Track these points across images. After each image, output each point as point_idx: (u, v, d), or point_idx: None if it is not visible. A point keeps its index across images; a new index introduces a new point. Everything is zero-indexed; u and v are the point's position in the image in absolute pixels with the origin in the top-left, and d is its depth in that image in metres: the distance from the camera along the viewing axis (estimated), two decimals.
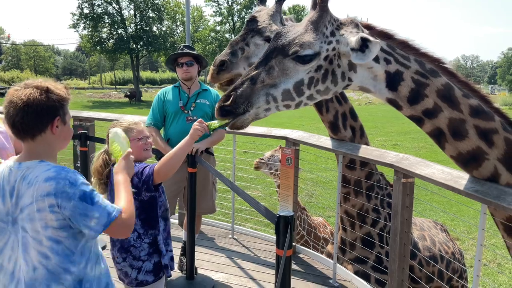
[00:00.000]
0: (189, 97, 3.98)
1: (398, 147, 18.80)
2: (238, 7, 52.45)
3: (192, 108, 3.93)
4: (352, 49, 2.28)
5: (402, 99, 2.41)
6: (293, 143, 4.39)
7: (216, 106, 2.34)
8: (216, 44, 52.47)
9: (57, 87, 1.81)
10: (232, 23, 52.77)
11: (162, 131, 4.12)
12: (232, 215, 5.07)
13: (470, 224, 9.69)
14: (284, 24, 3.38)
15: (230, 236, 5.05)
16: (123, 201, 1.90)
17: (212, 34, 53.56)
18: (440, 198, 9.77)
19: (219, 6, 53.58)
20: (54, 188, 1.66)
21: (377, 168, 3.90)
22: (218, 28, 54.49)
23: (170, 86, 4.12)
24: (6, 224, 1.76)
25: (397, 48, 2.42)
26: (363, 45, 2.24)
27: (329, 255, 4.39)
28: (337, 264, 4.01)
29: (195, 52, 4.03)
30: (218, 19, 54.47)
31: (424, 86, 2.37)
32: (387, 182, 4.04)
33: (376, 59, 2.37)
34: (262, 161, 5.34)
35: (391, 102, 2.46)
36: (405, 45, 2.44)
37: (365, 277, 3.85)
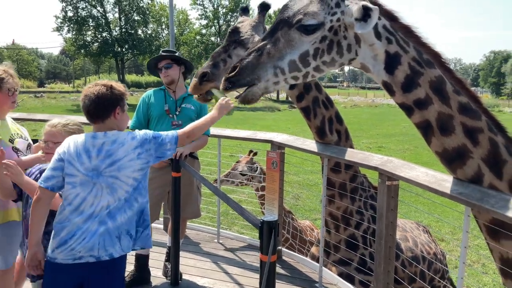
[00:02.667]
0: (177, 101, 3.93)
1: (384, 149, 18.96)
2: (224, 10, 52.46)
3: (177, 113, 3.89)
4: (356, 19, 2.28)
5: (396, 84, 2.41)
6: (278, 147, 4.38)
7: (223, 78, 2.36)
8: (201, 48, 52.39)
9: (118, 85, 2.47)
10: (217, 26, 52.73)
11: None
12: (217, 219, 5.03)
13: (454, 225, 9.79)
14: None
15: (216, 240, 5.01)
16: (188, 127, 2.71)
17: (198, 37, 53.41)
18: (424, 200, 9.85)
19: (205, 9, 53.52)
20: (138, 141, 2.41)
21: (360, 170, 3.90)
22: (203, 31, 54.39)
23: (155, 89, 4.07)
24: (91, 177, 2.32)
25: (399, 30, 2.42)
26: (365, 14, 2.24)
27: (313, 257, 4.38)
28: (323, 268, 4.00)
29: (171, 54, 3.98)
30: (204, 22, 54.42)
31: (419, 74, 2.37)
32: (370, 184, 4.05)
33: (378, 36, 2.37)
34: (222, 178, 5.32)
35: (386, 85, 2.46)
36: (407, 31, 2.45)
37: (349, 279, 3.85)
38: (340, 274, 3.90)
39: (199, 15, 55.05)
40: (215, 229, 5.13)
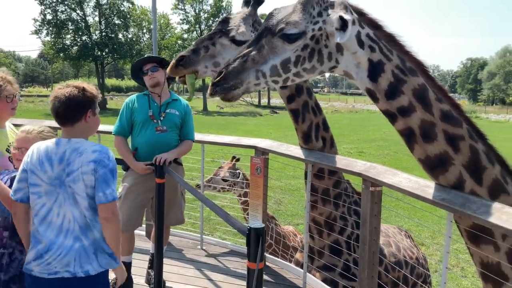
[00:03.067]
0: (162, 106, 3.90)
1: (364, 154, 19.15)
2: (206, 15, 52.37)
3: (161, 118, 3.85)
4: (336, 29, 2.34)
5: (380, 91, 2.45)
6: (262, 152, 4.38)
7: (210, 83, 2.45)
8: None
9: (90, 87, 2.38)
10: (199, 31, 52.55)
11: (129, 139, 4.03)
12: (201, 225, 5.00)
13: (434, 230, 9.94)
14: (256, 28, 3.44)
15: (199, 247, 4.98)
16: None
17: (179, 41, 53.18)
18: (404, 205, 9.98)
19: (186, 14, 53.31)
20: (96, 157, 2.25)
21: (343, 176, 3.93)
22: (185, 36, 54.18)
23: (138, 94, 4.03)
24: (54, 186, 2.26)
25: (382, 39, 2.47)
26: (344, 24, 2.31)
27: (298, 263, 4.39)
28: (307, 274, 4.01)
29: (157, 57, 3.98)
30: (185, 27, 54.17)
31: (402, 82, 2.41)
32: (353, 190, 4.08)
33: (361, 44, 2.42)
34: (205, 184, 5.31)
35: (370, 93, 2.50)
36: (391, 39, 2.50)
37: (333, 284, 3.86)
38: (324, 280, 3.91)
39: (180, 19, 54.96)
40: (197, 235, 5.10)
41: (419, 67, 2.47)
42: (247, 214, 5.49)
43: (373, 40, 2.43)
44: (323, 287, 3.88)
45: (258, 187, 4.40)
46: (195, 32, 53.07)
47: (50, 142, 2.32)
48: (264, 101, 58.58)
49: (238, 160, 5.51)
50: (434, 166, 2.48)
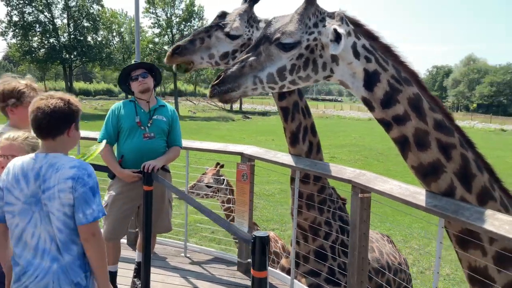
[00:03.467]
0: (149, 112, 3.86)
1: (336, 159, 19.39)
2: (177, 19, 52.01)
3: (149, 125, 3.81)
4: (331, 41, 2.40)
5: (376, 100, 2.50)
6: (248, 159, 4.39)
7: (210, 85, 2.53)
8: (154, 56, 51.57)
9: (75, 99, 2.25)
10: (171, 35, 52.16)
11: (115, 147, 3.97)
12: (185, 232, 4.95)
13: (405, 233, 10.16)
14: (251, 24, 3.56)
15: (183, 254, 4.93)
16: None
17: (151, 45, 52.56)
18: (376, 210, 10.16)
19: (158, 18, 52.81)
20: (74, 174, 2.10)
21: (328, 182, 3.98)
22: (156, 40, 53.63)
23: (125, 100, 3.97)
24: (29, 205, 2.12)
25: (378, 50, 2.53)
26: (338, 36, 2.37)
27: (283, 269, 4.41)
28: (294, 280, 4.03)
29: (147, 63, 3.96)
30: (157, 31, 53.66)
31: (398, 91, 2.47)
32: (338, 196, 4.13)
33: (357, 55, 2.47)
34: (188, 190, 5.29)
35: (366, 101, 2.55)
36: (387, 50, 2.56)
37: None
38: (310, 285, 3.94)
39: (152, 23, 54.26)
40: (181, 242, 5.05)
41: (413, 77, 2.54)
42: (230, 221, 5.49)
43: (369, 51, 2.49)
44: None
45: (245, 193, 4.42)
46: (166, 36, 52.62)
47: (27, 157, 2.18)
48: (236, 106, 58.57)
49: (222, 166, 5.50)
50: (426, 174, 2.54)
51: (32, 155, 2.18)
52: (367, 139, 28.25)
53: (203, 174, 5.45)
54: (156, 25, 53.14)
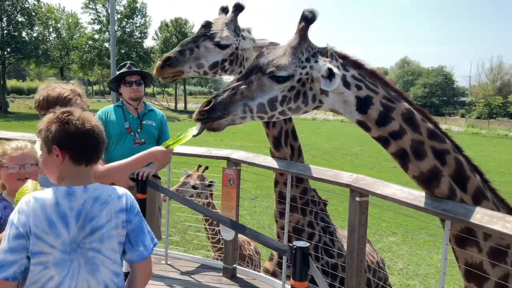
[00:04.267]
0: (138, 118, 3.73)
1: None
2: (119, 16, 50.44)
3: (139, 130, 3.68)
4: (322, 76, 2.50)
5: (371, 121, 2.62)
6: (235, 163, 4.35)
7: (196, 110, 2.50)
8: (94, 53, 49.77)
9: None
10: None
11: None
12: (165, 239, 4.82)
13: (371, 232, 10.49)
14: (237, 33, 3.59)
15: (164, 262, 4.80)
16: None
17: (90, 42, 50.66)
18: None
19: (98, 14, 50.99)
20: (125, 204, 1.80)
21: (310, 184, 4.05)
22: (96, 36, 51.76)
23: (111, 106, 3.81)
24: (68, 254, 1.72)
25: (366, 76, 2.65)
26: (331, 74, 2.47)
27: (267, 272, 4.42)
28: (278, 281, 4.07)
29: (141, 71, 3.82)
30: (97, 27, 51.79)
31: (391, 109, 2.60)
32: (319, 197, 4.21)
33: (347, 85, 2.59)
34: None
35: (361, 123, 2.67)
36: (373, 74, 2.69)
37: None
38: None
39: (91, 19, 52.27)
40: (161, 250, 4.91)
41: (400, 95, 2.70)
42: (209, 225, 5.41)
43: (358, 80, 2.62)
44: None
45: (231, 198, 4.38)
46: (107, 33, 50.91)
47: (57, 193, 1.74)
48: (180, 105, 57.75)
49: (206, 168, 5.42)
50: (428, 181, 2.67)
51: (63, 189, 1.75)
52: (313, 139, 28.87)
53: (187, 176, 5.32)
54: (96, 21, 51.31)
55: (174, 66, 3.34)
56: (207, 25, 3.50)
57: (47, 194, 1.73)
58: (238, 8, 3.62)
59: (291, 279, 2.03)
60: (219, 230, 5.43)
